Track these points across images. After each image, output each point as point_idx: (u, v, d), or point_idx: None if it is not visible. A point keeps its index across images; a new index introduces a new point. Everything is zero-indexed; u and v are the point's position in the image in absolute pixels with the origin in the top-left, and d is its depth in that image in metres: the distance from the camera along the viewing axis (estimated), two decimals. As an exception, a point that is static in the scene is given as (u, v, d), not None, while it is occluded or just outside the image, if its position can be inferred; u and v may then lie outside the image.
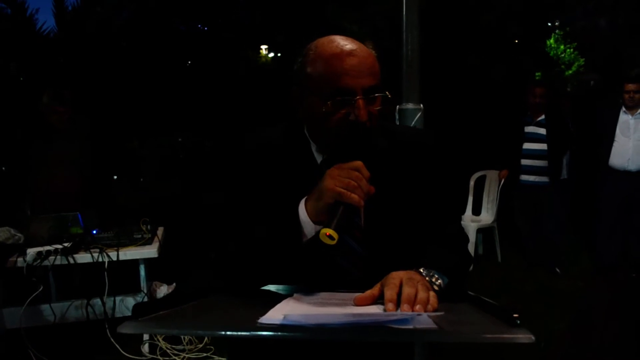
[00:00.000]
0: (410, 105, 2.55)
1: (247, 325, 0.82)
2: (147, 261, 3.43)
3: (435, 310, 0.93)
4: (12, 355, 3.20)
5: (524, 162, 4.82)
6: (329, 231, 0.99)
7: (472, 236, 5.06)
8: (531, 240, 5.00)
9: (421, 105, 2.56)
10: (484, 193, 5.38)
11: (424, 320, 0.83)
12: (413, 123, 2.54)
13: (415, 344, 0.88)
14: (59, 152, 3.76)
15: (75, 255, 3.20)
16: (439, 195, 1.26)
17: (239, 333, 0.79)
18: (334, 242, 1.00)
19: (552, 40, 15.91)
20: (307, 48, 1.18)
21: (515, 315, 0.78)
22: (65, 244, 3.26)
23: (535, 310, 3.87)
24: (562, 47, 16.37)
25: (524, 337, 0.72)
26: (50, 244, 3.25)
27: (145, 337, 3.39)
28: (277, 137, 1.26)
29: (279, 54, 18.69)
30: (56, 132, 3.77)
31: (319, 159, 1.22)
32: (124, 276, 3.39)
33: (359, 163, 1.08)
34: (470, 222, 5.14)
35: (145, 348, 3.35)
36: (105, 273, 3.20)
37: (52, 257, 3.16)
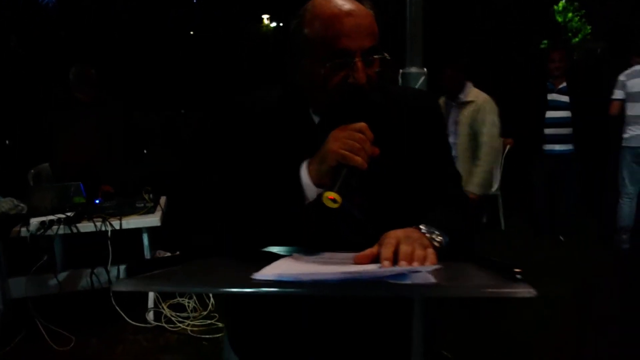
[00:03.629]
0: (413, 69, 2.51)
1: (241, 282, 0.81)
2: (150, 230, 3.44)
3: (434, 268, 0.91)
4: (18, 324, 3.23)
5: (548, 131, 4.70)
6: (332, 194, 0.97)
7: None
8: (545, 209, 4.95)
9: (425, 70, 2.51)
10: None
11: (423, 276, 0.81)
12: (416, 87, 2.49)
13: (415, 300, 0.86)
14: (82, 126, 3.84)
15: (78, 225, 3.21)
16: (439, 158, 1.24)
17: (232, 289, 0.78)
18: (337, 206, 0.98)
19: (559, 6, 15.63)
20: (303, 8, 1.14)
21: (516, 270, 0.76)
22: (68, 214, 3.26)
23: (539, 277, 3.87)
24: (569, 14, 16.10)
25: (525, 291, 0.70)
26: (53, 214, 3.26)
27: (150, 304, 3.42)
28: (273, 99, 1.23)
29: (280, 24, 18.47)
30: (82, 106, 3.86)
31: (316, 120, 1.19)
32: (127, 245, 3.41)
33: (363, 125, 1.05)
34: (474, 191, 5.11)
35: (150, 316, 3.38)
36: (109, 242, 3.21)
37: (55, 227, 3.16)
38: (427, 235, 1.03)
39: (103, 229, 3.21)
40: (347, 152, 1.02)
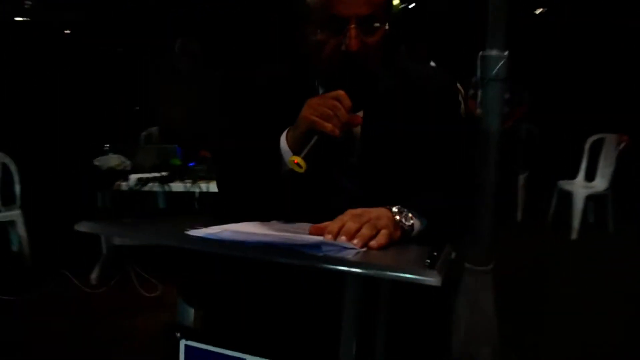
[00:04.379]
0: (493, 52, 2.36)
1: (172, 236, 0.86)
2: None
3: (382, 249, 0.90)
4: (115, 269, 3.60)
5: None
6: (296, 158, 0.98)
7: (580, 203, 4.68)
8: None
9: (506, 53, 2.36)
10: (600, 157, 4.91)
11: (346, 252, 0.81)
12: (494, 72, 2.36)
13: (347, 277, 0.85)
14: (184, 94, 4.14)
15: (170, 184, 3.48)
16: (447, 139, 1.19)
17: (159, 241, 0.85)
18: (302, 170, 0.99)
19: None
20: None
21: (428, 260, 0.74)
22: (164, 173, 3.55)
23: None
24: None
25: (429, 279, 0.68)
26: (151, 172, 3.57)
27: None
28: (283, 72, 1.25)
29: (410, 5, 18.01)
30: (184, 76, 4.16)
31: (321, 91, 1.20)
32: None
33: (340, 92, 1.05)
34: (581, 188, 4.74)
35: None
36: (196, 202, 3.45)
37: (150, 184, 3.46)
38: (397, 217, 1.00)
39: (191, 190, 3.45)
40: (316, 119, 1.02)
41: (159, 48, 4.75)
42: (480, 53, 2.43)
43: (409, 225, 1.01)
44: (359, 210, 0.98)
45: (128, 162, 3.74)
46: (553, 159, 5.48)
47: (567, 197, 4.84)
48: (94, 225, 0.86)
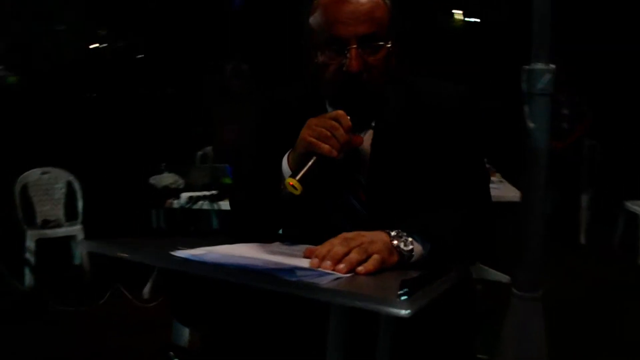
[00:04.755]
0: (539, 65, 2.25)
1: (157, 256, 0.86)
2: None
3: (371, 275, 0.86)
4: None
5: None
6: (292, 180, 0.97)
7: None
8: None
9: (551, 66, 2.24)
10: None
11: (322, 278, 0.77)
12: (540, 86, 2.24)
13: (332, 305, 0.81)
14: (235, 115, 4.24)
15: (220, 202, 3.55)
16: (458, 159, 1.14)
17: (143, 260, 0.85)
18: (297, 192, 0.97)
19: None
20: None
21: (401, 292, 0.68)
22: (214, 192, 3.63)
23: None
24: None
25: (395, 310, 0.62)
26: (202, 191, 3.66)
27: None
28: (296, 95, 1.25)
29: (476, 20, 17.67)
30: (235, 97, 4.31)
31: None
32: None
33: (339, 112, 1.03)
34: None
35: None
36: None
37: (200, 202, 3.55)
38: (394, 242, 0.96)
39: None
40: (313, 140, 1.00)
41: (213, 70, 4.93)
42: (525, 66, 2.33)
43: (407, 251, 0.97)
44: (352, 234, 0.95)
45: (182, 181, 3.86)
46: (619, 177, 5.14)
47: (635, 218, 4.51)
48: (93, 244, 0.89)
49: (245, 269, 0.79)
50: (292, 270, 0.77)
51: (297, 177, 0.98)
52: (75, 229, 4.04)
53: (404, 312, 0.64)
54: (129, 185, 4.33)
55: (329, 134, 1.00)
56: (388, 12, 1.10)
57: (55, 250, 4.07)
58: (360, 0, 1.06)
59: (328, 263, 0.87)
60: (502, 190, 3.70)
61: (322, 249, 0.91)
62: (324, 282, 0.76)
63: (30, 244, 3.84)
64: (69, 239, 4.08)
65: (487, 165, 4.37)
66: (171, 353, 1.01)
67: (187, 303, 1.23)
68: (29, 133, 4.51)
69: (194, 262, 0.82)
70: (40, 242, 3.89)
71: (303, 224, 1.17)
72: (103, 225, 4.19)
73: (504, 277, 3.64)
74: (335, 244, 0.91)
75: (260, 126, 1.26)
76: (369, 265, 0.88)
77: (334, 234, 1.04)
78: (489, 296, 3.58)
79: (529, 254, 2.37)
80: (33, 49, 10.65)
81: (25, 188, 3.99)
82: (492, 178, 4.00)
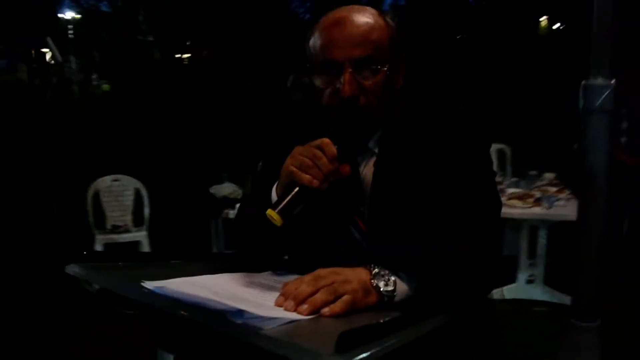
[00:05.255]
0: (598, 81, 2.08)
1: (128, 286, 0.86)
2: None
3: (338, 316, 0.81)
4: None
5: None
6: (271, 212, 0.93)
7: None
8: None
9: (612, 82, 2.06)
10: None
11: (269, 323, 0.73)
12: (599, 103, 2.07)
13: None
14: None
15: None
16: (462, 190, 1.05)
17: (112, 289, 0.87)
18: (278, 224, 0.93)
19: None
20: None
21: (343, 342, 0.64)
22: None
23: None
24: None
25: None
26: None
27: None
28: (308, 116, 1.22)
29: (560, 26, 16.71)
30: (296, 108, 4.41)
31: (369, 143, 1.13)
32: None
33: (324, 140, 0.98)
34: None
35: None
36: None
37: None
38: (374, 281, 0.90)
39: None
40: (295, 169, 0.96)
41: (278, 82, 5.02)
42: (583, 82, 2.17)
43: (388, 291, 0.91)
44: (327, 271, 0.91)
45: (240, 191, 3.94)
46: None
47: None
48: (74, 267, 0.92)
49: (198, 305, 0.78)
50: (241, 312, 0.74)
51: (277, 209, 0.94)
52: (141, 235, 4.23)
53: None
54: (192, 193, 4.47)
55: (311, 163, 0.96)
56: (389, 35, 1.06)
57: (122, 255, 4.27)
58: (356, 23, 1.02)
59: (291, 303, 0.83)
60: (569, 208, 3.47)
61: (290, 286, 0.87)
62: (268, 326, 0.72)
63: (98, 247, 4.06)
64: (135, 244, 4.28)
65: (556, 181, 4.14)
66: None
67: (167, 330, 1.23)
68: (105, 140, 4.78)
69: (157, 294, 0.82)
70: (108, 247, 4.10)
71: (305, 251, 1.15)
72: (166, 232, 4.35)
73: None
74: (304, 282, 0.87)
75: (268, 148, 1.25)
76: (336, 307, 0.84)
77: (336, 261, 1.00)
78: (553, 320, 3.36)
79: (585, 279, 2.20)
80: (123, 59, 11.39)
81: (97, 194, 4.24)
82: (561, 195, 3.76)
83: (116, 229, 4.23)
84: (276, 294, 0.88)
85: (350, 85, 1.00)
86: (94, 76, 12.73)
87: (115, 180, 4.34)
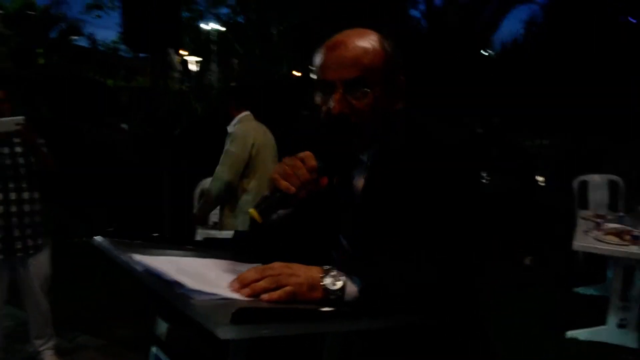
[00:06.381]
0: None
1: (125, 258, 1.02)
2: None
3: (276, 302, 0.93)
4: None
5: None
6: (253, 211, 1.08)
7: None
8: None
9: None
10: None
11: (204, 296, 0.86)
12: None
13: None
14: None
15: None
16: (442, 209, 1.09)
17: (113, 259, 1.04)
18: (259, 222, 1.08)
19: None
20: None
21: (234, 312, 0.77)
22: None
23: None
24: None
25: (219, 332, 0.73)
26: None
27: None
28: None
29: None
30: None
31: (363, 158, 1.23)
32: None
33: (306, 153, 1.11)
34: None
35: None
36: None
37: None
38: (322, 278, 0.98)
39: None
40: (276, 176, 1.09)
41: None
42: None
43: (334, 290, 0.98)
44: (279, 264, 1.01)
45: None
46: None
47: None
48: (102, 240, 1.12)
49: (158, 276, 0.92)
50: (182, 284, 0.88)
51: (258, 209, 1.09)
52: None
53: (222, 336, 0.73)
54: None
55: (291, 172, 1.09)
56: (384, 58, 1.14)
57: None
58: (349, 46, 1.12)
59: (236, 285, 0.96)
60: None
61: (245, 272, 0.99)
62: (202, 298, 0.86)
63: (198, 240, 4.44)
64: (228, 240, 4.61)
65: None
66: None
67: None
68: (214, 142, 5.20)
69: (136, 263, 0.98)
70: (207, 241, 4.47)
71: (297, 255, 1.26)
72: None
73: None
74: (255, 270, 0.99)
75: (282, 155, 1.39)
76: (274, 294, 0.94)
77: (324, 262, 1.11)
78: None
79: None
80: (255, 69, 12.26)
81: (203, 193, 4.64)
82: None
83: (216, 225, 4.58)
84: (230, 278, 1.01)
85: (339, 104, 1.11)
86: (233, 84, 13.83)
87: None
